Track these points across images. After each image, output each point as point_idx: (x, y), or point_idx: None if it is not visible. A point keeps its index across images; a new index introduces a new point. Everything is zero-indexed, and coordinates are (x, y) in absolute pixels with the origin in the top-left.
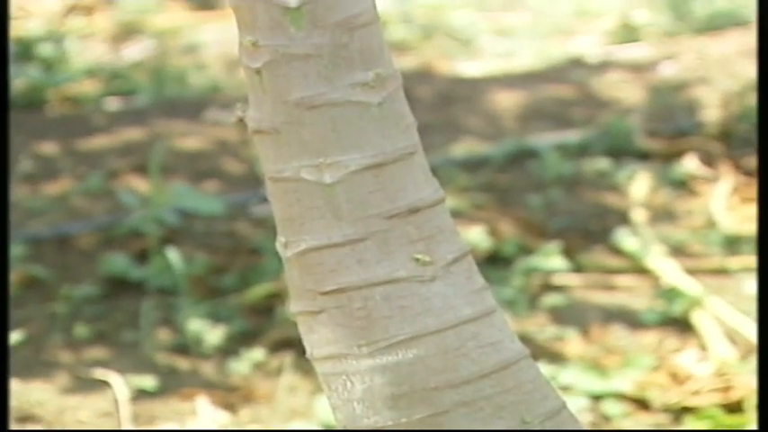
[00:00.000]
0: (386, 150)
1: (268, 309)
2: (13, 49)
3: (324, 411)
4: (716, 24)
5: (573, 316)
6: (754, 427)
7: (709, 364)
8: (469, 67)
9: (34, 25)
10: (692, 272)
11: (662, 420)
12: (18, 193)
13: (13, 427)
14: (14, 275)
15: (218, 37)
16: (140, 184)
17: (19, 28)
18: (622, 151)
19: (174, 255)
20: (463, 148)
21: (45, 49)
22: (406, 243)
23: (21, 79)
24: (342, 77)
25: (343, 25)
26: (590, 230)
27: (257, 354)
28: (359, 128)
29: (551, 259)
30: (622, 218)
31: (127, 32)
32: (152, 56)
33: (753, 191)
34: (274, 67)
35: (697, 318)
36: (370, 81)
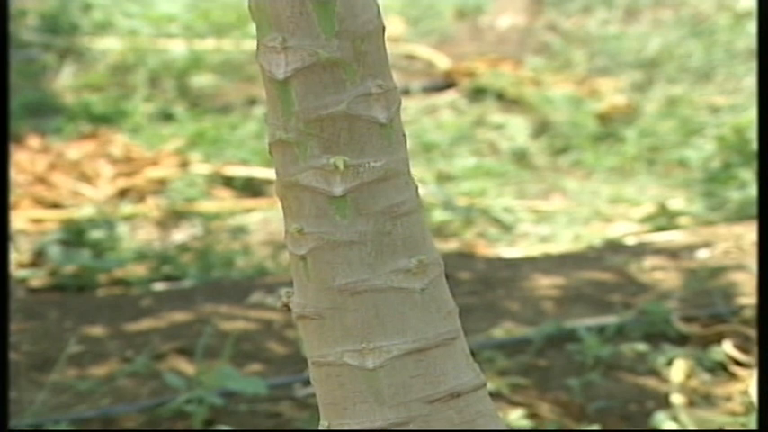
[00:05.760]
0: (428, 336)
1: None
2: (63, 235)
3: None
4: (750, 213)
5: None
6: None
7: None
8: (509, 252)
9: (86, 211)
10: None
11: None
12: (66, 375)
13: None
14: None
15: (264, 222)
16: (186, 366)
17: (72, 213)
18: (660, 335)
19: None
20: (503, 330)
21: (96, 234)
22: (447, 427)
23: (72, 265)
24: (385, 264)
25: (386, 213)
26: (629, 414)
27: None
28: (401, 314)
29: None
30: (661, 402)
31: (176, 217)
32: (199, 240)
33: None
34: (319, 254)
35: None
36: (412, 268)
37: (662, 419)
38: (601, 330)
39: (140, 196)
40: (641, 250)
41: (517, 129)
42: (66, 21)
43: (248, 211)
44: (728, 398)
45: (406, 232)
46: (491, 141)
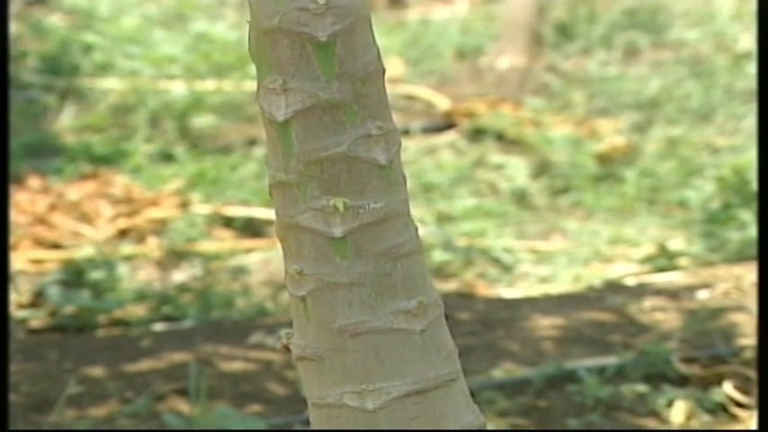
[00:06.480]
0: (428, 377)
1: None
2: (63, 275)
3: None
4: (750, 253)
5: None
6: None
7: None
8: (509, 292)
9: (86, 252)
10: None
11: None
12: (65, 416)
13: None
14: None
15: (264, 262)
16: (186, 407)
17: (72, 253)
18: (660, 376)
19: None
20: (503, 371)
21: (96, 275)
22: None
23: (71, 306)
24: (385, 305)
25: (386, 255)
26: None
27: None
28: (401, 355)
29: None
30: None
31: (176, 258)
32: (199, 280)
33: None
34: (319, 296)
35: None
36: (412, 309)
37: None
38: (601, 371)
39: (140, 237)
40: (641, 291)
41: (517, 169)
42: (67, 62)
43: (248, 251)
44: None
45: (405, 273)
46: (491, 182)
